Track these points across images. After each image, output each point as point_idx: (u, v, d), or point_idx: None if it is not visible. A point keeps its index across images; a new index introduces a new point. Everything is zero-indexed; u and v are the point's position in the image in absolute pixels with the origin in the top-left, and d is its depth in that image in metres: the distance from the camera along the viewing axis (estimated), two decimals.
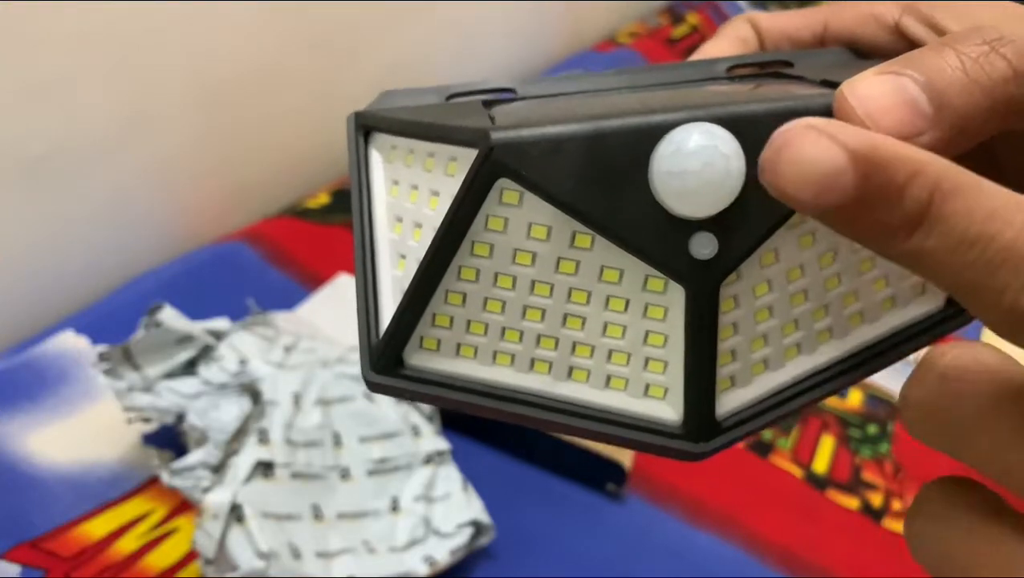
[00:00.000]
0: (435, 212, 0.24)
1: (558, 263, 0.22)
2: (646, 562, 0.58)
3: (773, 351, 0.24)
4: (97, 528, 0.55)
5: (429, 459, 0.56)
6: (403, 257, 0.25)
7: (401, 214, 0.25)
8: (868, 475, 0.67)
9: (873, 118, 0.21)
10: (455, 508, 0.54)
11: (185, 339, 0.57)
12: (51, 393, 0.62)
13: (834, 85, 0.22)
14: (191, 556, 0.53)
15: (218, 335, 0.59)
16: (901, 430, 0.70)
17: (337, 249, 0.79)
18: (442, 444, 0.57)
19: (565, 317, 0.23)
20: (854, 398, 0.72)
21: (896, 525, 0.64)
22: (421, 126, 0.25)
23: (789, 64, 0.27)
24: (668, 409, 0.23)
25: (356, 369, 0.58)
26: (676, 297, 0.22)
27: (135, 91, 0.72)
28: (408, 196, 0.25)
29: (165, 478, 0.51)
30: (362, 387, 0.57)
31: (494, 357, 0.24)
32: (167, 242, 0.78)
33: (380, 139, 0.27)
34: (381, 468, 0.55)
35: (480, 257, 0.23)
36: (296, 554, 0.50)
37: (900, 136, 0.20)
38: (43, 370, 0.64)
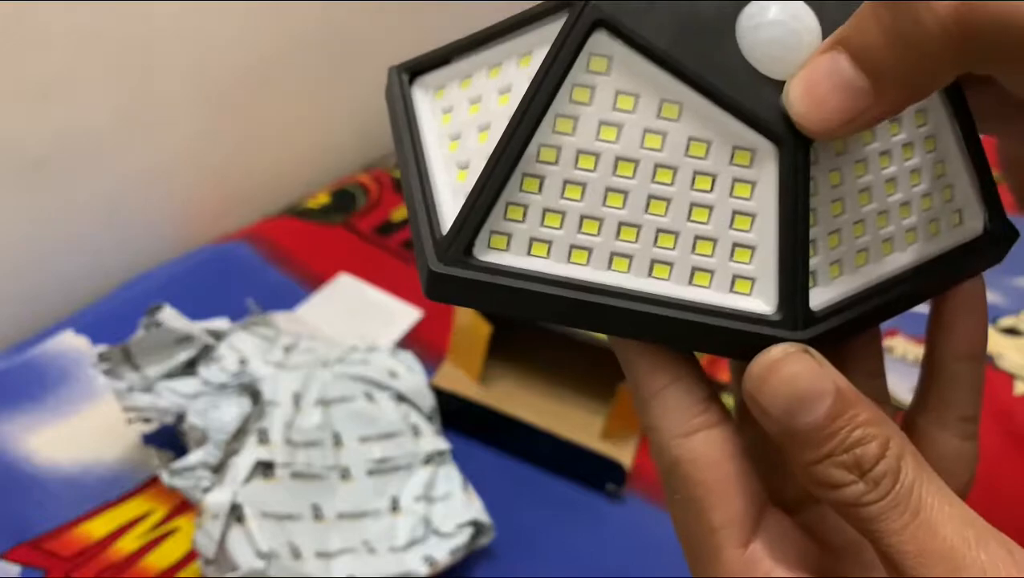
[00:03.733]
0: (506, 107, 0.23)
1: (644, 137, 0.22)
2: (646, 562, 0.58)
3: (847, 250, 0.24)
4: (97, 528, 0.55)
5: (429, 459, 0.56)
6: (464, 168, 0.24)
7: (459, 130, 0.25)
8: None
9: (807, 118, 0.21)
10: (455, 508, 0.54)
11: (185, 339, 0.57)
12: (51, 393, 0.62)
13: None
14: (191, 556, 0.53)
15: (218, 335, 0.59)
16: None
17: (337, 249, 0.79)
18: (442, 444, 0.57)
19: (649, 200, 0.22)
20: None
21: None
22: (490, 30, 0.24)
23: None
24: (757, 302, 0.23)
25: (356, 369, 0.58)
26: (764, 170, 0.22)
27: (135, 91, 0.72)
28: (467, 112, 0.25)
29: (165, 478, 0.51)
30: (363, 387, 0.57)
31: (569, 254, 0.22)
32: (167, 242, 0.78)
33: (428, 80, 0.26)
34: (381, 468, 0.55)
35: (562, 134, 0.22)
36: (296, 554, 0.50)
37: (845, 119, 0.21)
38: (43, 370, 0.64)
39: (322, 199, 0.86)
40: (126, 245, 0.76)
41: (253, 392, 0.55)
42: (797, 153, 0.22)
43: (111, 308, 0.69)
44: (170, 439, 0.58)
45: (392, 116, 0.26)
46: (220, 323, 0.60)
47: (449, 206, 0.23)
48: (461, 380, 0.63)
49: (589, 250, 0.22)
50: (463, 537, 0.53)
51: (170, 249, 0.78)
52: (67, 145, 0.68)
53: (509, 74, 0.24)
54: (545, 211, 0.22)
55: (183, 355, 0.57)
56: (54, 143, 0.67)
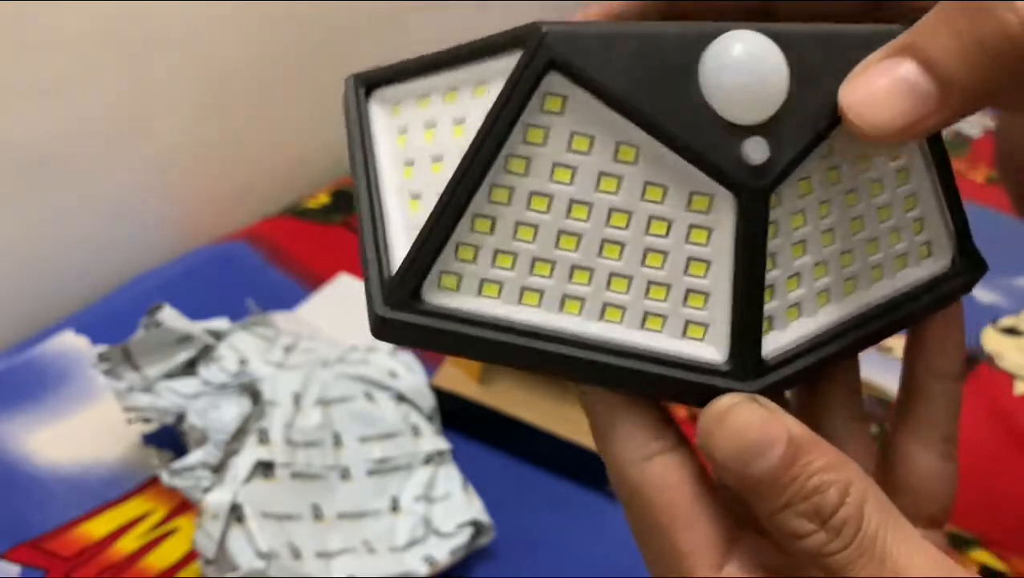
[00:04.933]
0: (460, 139, 0.23)
1: (599, 180, 0.21)
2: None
3: (807, 293, 0.23)
4: (97, 528, 0.55)
5: (429, 459, 0.56)
6: (416, 197, 0.23)
7: (413, 157, 0.24)
8: None
9: (865, 120, 0.20)
10: (455, 508, 0.54)
11: (185, 339, 0.57)
12: (51, 393, 0.62)
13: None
14: (191, 556, 0.53)
15: (218, 335, 0.59)
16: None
17: (337, 249, 0.79)
18: (442, 444, 0.57)
19: (602, 244, 0.22)
20: None
21: None
22: (446, 55, 0.23)
23: None
24: (710, 349, 0.22)
25: (356, 369, 0.58)
26: (721, 217, 0.22)
27: (135, 91, 0.72)
28: (422, 137, 0.24)
29: (165, 478, 0.51)
30: (363, 387, 0.57)
31: (520, 296, 0.22)
32: (167, 242, 0.78)
33: (385, 94, 0.25)
34: (381, 468, 0.55)
35: (515, 174, 0.21)
36: (296, 554, 0.50)
37: (906, 124, 0.20)
38: (43, 370, 0.64)
39: (322, 199, 0.86)
40: (126, 245, 0.76)
41: (253, 392, 0.55)
42: (755, 201, 0.21)
43: (111, 308, 0.69)
44: (170, 439, 0.58)
45: (348, 129, 0.25)
46: (220, 323, 0.60)
47: (400, 241, 0.23)
48: (461, 380, 0.63)
49: (541, 292, 0.22)
50: (463, 537, 0.53)
51: (170, 249, 0.78)
52: (67, 145, 0.68)
53: (464, 103, 0.23)
54: (496, 252, 0.22)
55: (183, 355, 0.57)
56: (54, 143, 0.67)
